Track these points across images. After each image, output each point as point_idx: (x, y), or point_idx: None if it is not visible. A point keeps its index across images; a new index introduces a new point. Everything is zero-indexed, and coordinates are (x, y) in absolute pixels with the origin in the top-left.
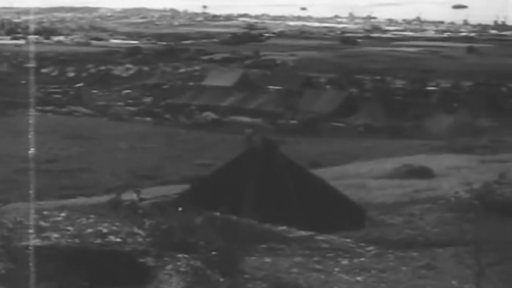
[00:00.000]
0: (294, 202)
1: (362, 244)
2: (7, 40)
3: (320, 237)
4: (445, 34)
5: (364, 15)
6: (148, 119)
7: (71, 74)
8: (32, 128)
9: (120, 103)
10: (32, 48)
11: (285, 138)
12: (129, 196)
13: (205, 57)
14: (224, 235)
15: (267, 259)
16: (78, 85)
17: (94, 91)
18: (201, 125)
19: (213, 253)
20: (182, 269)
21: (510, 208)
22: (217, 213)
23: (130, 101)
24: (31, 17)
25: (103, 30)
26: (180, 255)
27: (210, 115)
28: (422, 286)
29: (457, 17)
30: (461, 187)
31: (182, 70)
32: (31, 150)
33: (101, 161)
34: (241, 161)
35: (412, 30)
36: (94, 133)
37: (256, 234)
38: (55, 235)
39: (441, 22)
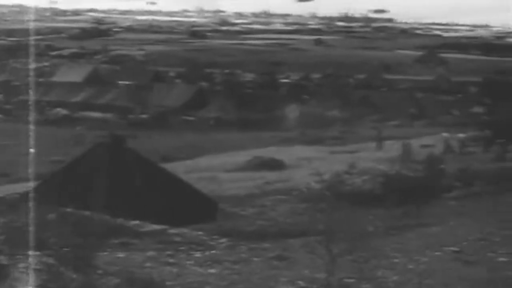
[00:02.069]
0: (145, 197)
1: (215, 237)
2: None
3: (172, 231)
4: (293, 27)
5: (213, 8)
6: None
7: None
8: None
9: None
10: None
11: (136, 132)
12: None
13: (54, 53)
14: (77, 231)
15: (120, 254)
16: None
17: None
18: (53, 121)
19: (66, 249)
20: (35, 267)
21: (360, 197)
22: (70, 209)
23: None
24: None
25: None
26: (33, 253)
27: (61, 111)
28: (274, 277)
29: (305, 10)
30: (312, 178)
31: (31, 66)
32: None
33: None
34: (89, 156)
35: (260, 23)
36: None
37: (109, 229)
38: None
39: (289, 15)
